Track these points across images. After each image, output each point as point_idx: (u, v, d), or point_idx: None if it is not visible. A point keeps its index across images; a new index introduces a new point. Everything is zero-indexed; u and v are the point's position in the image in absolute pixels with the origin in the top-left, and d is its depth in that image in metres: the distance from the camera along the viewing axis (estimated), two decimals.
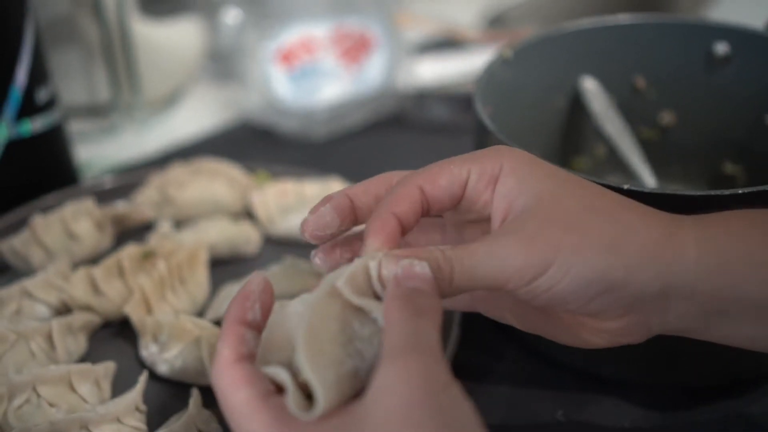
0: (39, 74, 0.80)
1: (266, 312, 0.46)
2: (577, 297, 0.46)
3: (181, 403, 0.60)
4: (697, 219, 0.48)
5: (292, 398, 0.42)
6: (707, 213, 0.53)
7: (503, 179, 0.48)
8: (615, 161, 0.77)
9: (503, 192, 0.47)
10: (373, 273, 0.45)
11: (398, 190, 0.48)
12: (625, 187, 0.53)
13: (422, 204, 0.48)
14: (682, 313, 0.47)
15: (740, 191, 0.53)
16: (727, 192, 0.53)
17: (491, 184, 0.48)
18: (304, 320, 0.42)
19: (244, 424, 0.42)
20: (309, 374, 0.41)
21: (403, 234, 0.48)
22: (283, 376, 0.43)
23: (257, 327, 0.46)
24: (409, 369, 0.40)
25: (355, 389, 0.42)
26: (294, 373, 0.43)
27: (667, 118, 0.78)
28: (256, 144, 0.99)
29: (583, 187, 0.48)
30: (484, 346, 0.67)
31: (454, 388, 0.40)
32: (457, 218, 0.52)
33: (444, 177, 0.48)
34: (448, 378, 0.40)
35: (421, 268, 0.44)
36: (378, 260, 0.45)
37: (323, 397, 0.41)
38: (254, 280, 0.47)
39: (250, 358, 0.44)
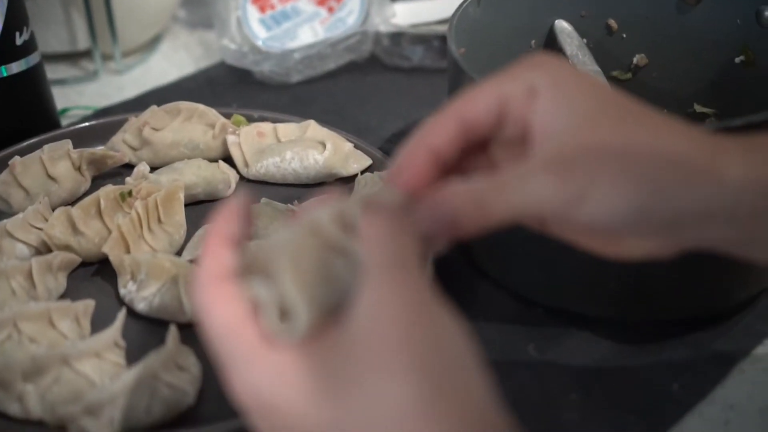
0: (17, 19, 0.80)
1: (249, 230, 0.44)
2: (612, 227, 0.43)
3: (159, 340, 0.61)
4: (742, 142, 0.44)
5: (273, 316, 0.39)
6: None
7: (542, 95, 0.44)
8: None
9: (540, 111, 0.44)
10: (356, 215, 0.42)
11: (433, 122, 0.45)
12: None
13: (463, 130, 0.45)
14: (719, 234, 0.44)
15: (709, 126, 0.54)
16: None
17: (530, 99, 0.44)
18: (287, 249, 0.40)
19: (226, 343, 0.40)
20: (292, 292, 0.39)
21: (446, 167, 0.45)
22: (263, 293, 0.40)
23: (240, 242, 0.43)
24: (398, 285, 0.38)
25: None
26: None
27: (639, 60, 0.79)
28: (233, 87, 0.99)
29: (625, 107, 0.44)
30: (456, 283, 0.69)
31: (444, 305, 0.39)
32: (500, 140, 0.47)
33: (482, 98, 0.45)
34: (437, 296, 0.39)
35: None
36: (362, 203, 0.42)
37: (306, 314, 0.39)
38: (239, 197, 0.44)
39: (234, 276, 0.42)
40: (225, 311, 0.40)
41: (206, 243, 0.43)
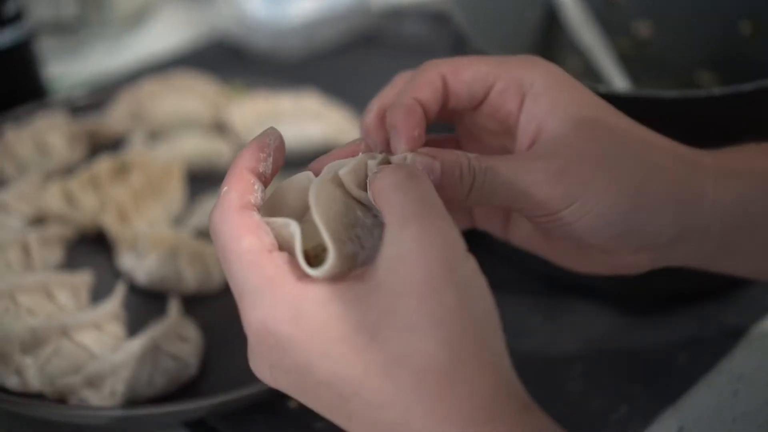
0: None
1: (276, 169, 0.43)
2: (595, 234, 0.45)
3: (159, 312, 0.61)
4: (717, 155, 0.47)
5: (301, 256, 0.39)
6: (684, 117, 0.54)
7: (535, 96, 0.45)
8: (591, 75, 0.77)
9: (534, 111, 0.45)
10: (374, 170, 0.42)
11: (421, 75, 0.45)
12: (601, 89, 0.53)
13: (443, 94, 0.46)
14: (692, 249, 0.47)
15: (715, 92, 0.53)
16: (702, 93, 0.53)
17: (518, 96, 0.45)
18: (312, 192, 0.40)
19: (243, 274, 0.39)
20: (322, 229, 0.39)
21: (427, 123, 0.45)
22: (293, 227, 0.39)
23: (265, 181, 0.42)
24: (426, 234, 0.37)
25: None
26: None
27: (642, 29, 0.78)
28: (229, 62, 0.98)
29: (617, 117, 0.46)
30: None
31: (471, 260, 0.38)
32: (472, 123, 0.49)
33: (469, 72, 0.45)
34: (465, 248, 0.38)
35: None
36: (378, 159, 0.42)
37: (335, 253, 0.38)
38: (270, 133, 0.44)
39: (255, 208, 0.41)
40: (245, 242, 0.39)
41: (231, 173, 0.41)
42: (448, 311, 0.36)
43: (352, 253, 0.40)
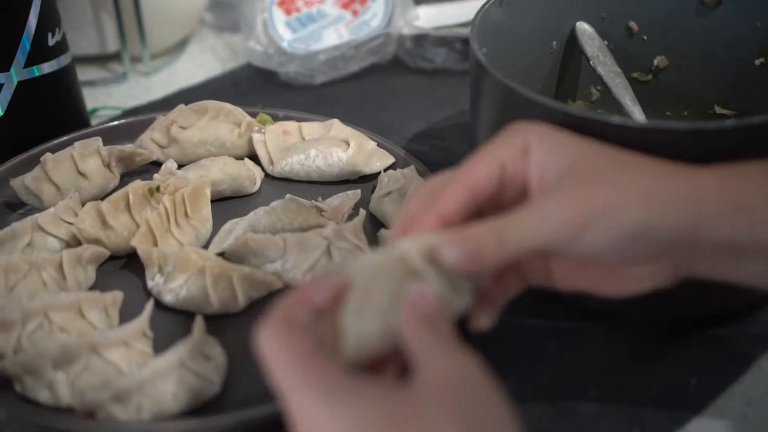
0: (49, 20, 0.82)
1: (332, 310, 0.47)
2: (617, 246, 0.48)
3: (186, 331, 0.63)
4: (716, 169, 0.50)
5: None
6: (695, 149, 0.55)
7: (534, 151, 0.50)
8: (609, 104, 0.79)
9: (535, 162, 0.50)
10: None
11: (442, 192, 0.51)
12: (615, 120, 0.55)
13: (471, 197, 0.51)
14: (708, 254, 0.50)
15: (726, 125, 0.55)
16: (713, 126, 0.55)
17: (525, 157, 0.51)
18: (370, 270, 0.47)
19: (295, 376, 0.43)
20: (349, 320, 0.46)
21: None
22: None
23: (318, 315, 0.47)
24: (452, 360, 0.43)
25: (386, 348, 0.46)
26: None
27: (659, 62, 0.80)
28: (258, 88, 1.01)
29: (610, 148, 0.51)
30: None
31: (486, 373, 0.44)
32: (504, 198, 0.53)
33: (481, 166, 0.51)
34: (479, 364, 0.44)
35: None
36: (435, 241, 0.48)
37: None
38: (337, 276, 0.48)
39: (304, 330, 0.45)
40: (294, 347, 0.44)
41: (286, 299, 0.47)
42: (474, 413, 0.42)
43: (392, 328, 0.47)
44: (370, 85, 1.01)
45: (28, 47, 0.80)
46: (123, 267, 0.72)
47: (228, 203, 0.79)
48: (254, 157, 0.83)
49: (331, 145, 0.81)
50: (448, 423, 0.41)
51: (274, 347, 0.44)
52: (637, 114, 0.74)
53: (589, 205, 0.47)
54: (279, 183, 0.82)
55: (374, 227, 0.75)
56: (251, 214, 0.74)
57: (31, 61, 0.81)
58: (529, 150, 0.50)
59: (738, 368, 0.62)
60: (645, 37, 0.79)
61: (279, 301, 0.46)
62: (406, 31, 1.02)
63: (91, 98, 0.97)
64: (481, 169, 0.51)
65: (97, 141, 0.80)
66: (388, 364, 0.48)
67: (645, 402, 0.60)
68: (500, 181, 0.51)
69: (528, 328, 0.66)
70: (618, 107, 0.76)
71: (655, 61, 0.80)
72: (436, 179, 0.53)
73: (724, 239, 0.49)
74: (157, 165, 0.82)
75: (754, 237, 0.49)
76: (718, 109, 0.78)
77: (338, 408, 0.41)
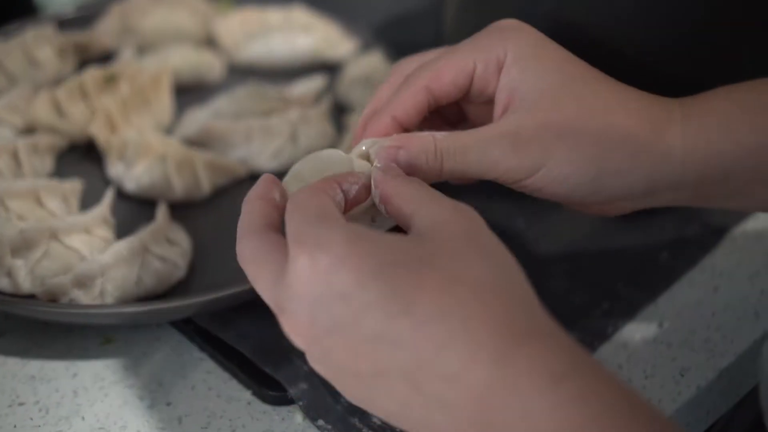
0: None
1: (353, 203, 0.44)
2: (566, 195, 0.47)
3: (149, 219, 0.62)
4: (685, 107, 0.48)
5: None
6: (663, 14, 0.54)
7: (506, 68, 0.47)
8: None
9: (504, 82, 0.47)
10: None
11: (401, 93, 0.49)
12: None
13: (428, 102, 0.49)
14: (668, 199, 0.49)
15: None
16: None
17: (497, 71, 0.48)
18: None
19: (302, 209, 0.39)
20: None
21: (407, 130, 0.49)
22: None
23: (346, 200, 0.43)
24: (450, 205, 0.40)
25: None
26: None
27: None
28: None
29: (584, 82, 0.47)
30: None
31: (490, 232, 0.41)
32: (467, 108, 0.52)
33: (449, 73, 0.48)
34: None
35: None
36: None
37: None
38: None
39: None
40: (319, 199, 0.41)
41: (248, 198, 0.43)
42: (489, 251, 0.38)
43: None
44: None
45: None
46: (81, 157, 0.70)
47: (189, 93, 0.77)
48: (215, 45, 0.81)
49: (295, 31, 0.78)
50: (471, 257, 0.37)
51: (302, 200, 0.40)
52: None
53: (541, 156, 0.46)
54: (241, 72, 0.79)
55: (340, 113, 0.73)
56: (214, 102, 0.72)
57: None
58: (503, 64, 0.48)
59: (710, 241, 0.62)
60: None
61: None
62: None
63: None
64: (447, 74, 0.48)
65: (50, 29, 0.77)
66: None
67: (616, 275, 0.60)
68: (464, 89, 0.49)
69: (493, 207, 0.65)
70: None
71: None
72: (407, 63, 0.52)
73: (689, 185, 0.48)
74: (112, 58, 0.79)
75: (722, 182, 0.47)
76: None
77: (361, 249, 0.37)
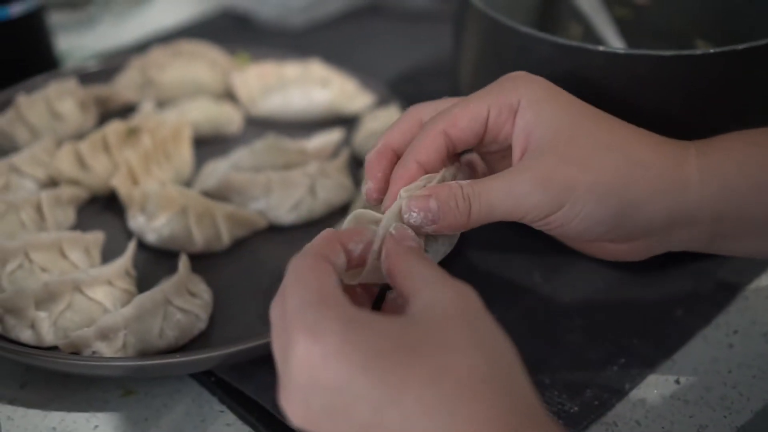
0: None
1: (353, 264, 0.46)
2: (589, 230, 0.48)
3: (170, 270, 0.62)
4: (701, 145, 0.49)
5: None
6: (680, 76, 0.55)
7: (521, 112, 0.49)
8: (591, 40, 0.78)
9: (521, 125, 0.49)
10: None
11: (422, 138, 0.50)
12: (600, 48, 0.55)
13: (447, 147, 0.50)
14: (684, 237, 0.50)
15: (711, 51, 0.54)
16: (698, 51, 0.55)
17: (511, 117, 0.50)
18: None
19: (302, 290, 0.41)
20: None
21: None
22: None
23: (349, 260, 0.45)
24: (452, 286, 0.41)
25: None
26: None
27: None
28: (235, 32, 1.00)
29: (598, 120, 0.50)
30: None
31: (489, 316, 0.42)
32: (483, 150, 0.53)
33: (465, 118, 0.50)
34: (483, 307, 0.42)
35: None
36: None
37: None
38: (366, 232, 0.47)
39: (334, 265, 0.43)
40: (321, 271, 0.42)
41: (325, 237, 0.45)
42: (483, 338, 0.39)
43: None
44: (349, 31, 1.00)
45: None
46: (103, 209, 0.71)
47: (209, 146, 0.78)
48: (233, 99, 0.82)
49: (312, 85, 0.80)
50: (463, 345, 0.38)
51: (305, 274, 0.42)
52: (618, 46, 0.73)
53: (565, 190, 0.47)
54: (259, 125, 0.81)
55: (358, 167, 0.74)
56: (234, 154, 0.73)
57: None
58: (517, 110, 0.49)
59: (724, 298, 0.62)
60: None
61: (318, 237, 0.45)
62: None
63: (61, 41, 0.96)
64: (462, 119, 0.50)
65: (73, 81, 0.79)
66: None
67: (631, 331, 0.60)
68: (479, 136, 0.51)
69: (510, 262, 0.66)
70: (600, 43, 0.75)
71: None
72: (418, 109, 0.53)
73: (703, 224, 0.49)
74: (132, 111, 0.80)
75: (736, 218, 0.49)
76: (700, 44, 0.78)
77: (353, 337, 0.38)
